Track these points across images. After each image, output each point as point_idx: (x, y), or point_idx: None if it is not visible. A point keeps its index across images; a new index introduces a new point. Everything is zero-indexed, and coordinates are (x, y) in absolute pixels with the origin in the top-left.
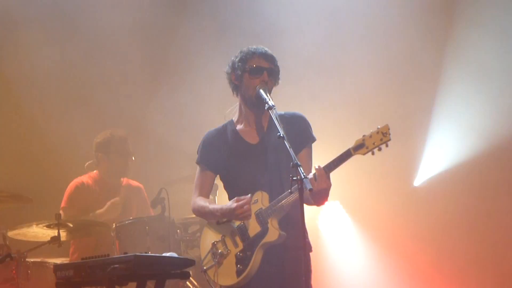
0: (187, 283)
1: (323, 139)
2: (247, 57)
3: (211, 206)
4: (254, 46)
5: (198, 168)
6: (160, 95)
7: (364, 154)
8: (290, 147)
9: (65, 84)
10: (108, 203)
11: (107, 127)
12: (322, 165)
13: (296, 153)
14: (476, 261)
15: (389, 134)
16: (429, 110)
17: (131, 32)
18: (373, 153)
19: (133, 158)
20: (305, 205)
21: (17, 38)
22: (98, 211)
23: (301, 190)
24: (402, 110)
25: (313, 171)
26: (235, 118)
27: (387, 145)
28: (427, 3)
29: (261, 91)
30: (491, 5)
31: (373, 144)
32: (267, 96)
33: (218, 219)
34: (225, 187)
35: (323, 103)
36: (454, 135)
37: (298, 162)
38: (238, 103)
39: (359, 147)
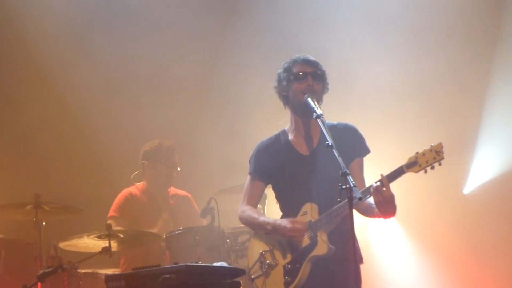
0: None
1: (375, 151)
2: (290, 66)
3: (261, 218)
4: (297, 55)
5: (249, 177)
6: (210, 103)
7: (417, 172)
8: (338, 156)
9: (113, 94)
10: (160, 222)
11: (155, 137)
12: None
13: (347, 163)
14: None
15: (443, 153)
16: (479, 115)
17: (181, 39)
18: (425, 171)
19: (179, 169)
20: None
21: (68, 47)
22: (152, 230)
23: (350, 198)
24: (451, 115)
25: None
26: (287, 128)
27: (440, 164)
28: (474, 15)
29: (309, 100)
30: None
31: (426, 162)
32: (315, 105)
33: (267, 232)
34: (277, 197)
35: (373, 114)
36: (505, 141)
37: (347, 170)
38: (290, 115)
39: (412, 165)
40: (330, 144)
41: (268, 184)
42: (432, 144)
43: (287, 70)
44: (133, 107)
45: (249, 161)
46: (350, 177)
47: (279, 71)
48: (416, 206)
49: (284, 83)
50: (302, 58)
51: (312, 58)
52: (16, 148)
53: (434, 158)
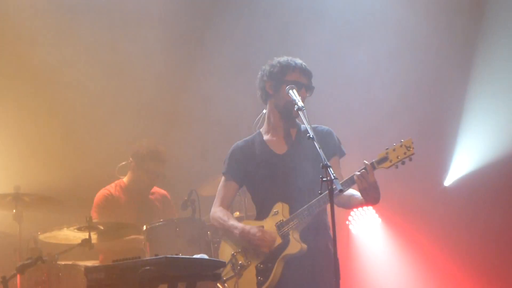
0: (218, 285)
1: (352, 142)
2: (288, 70)
3: (231, 222)
4: (293, 59)
5: (222, 178)
6: (192, 92)
7: (387, 167)
8: (320, 148)
9: (98, 86)
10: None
11: (139, 126)
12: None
13: None
14: (508, 263)
15: (413, 148)
16: (460, 108)
17: (159, 33)
18: (396, 167)
19: (164, 177)
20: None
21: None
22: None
23: (331, 191)
24: (432, 109)
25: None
26: (262, 129)
27: (410, 159)
28: (456, 4)
29: (291, 92)
30: None
31: (397, 157)
32: (297, 97)
33: (234, 236)
34: (253, 199)
35: (350, 106)
36: (486, 134)
37: (328, 163)
38: (264, 113)
39: (383, 161)
40: (311, 136)
41: (242, 185)
42: (402, 140)
43: (281, 72)
44: (119, 95)
45: (224, 161)
46: (331, 169)
47: (270, 68)
48: (396, 198)
49: (274, 83)
50: (299, 65)
51: (307, 67)
52: None
53: (405, 153)
